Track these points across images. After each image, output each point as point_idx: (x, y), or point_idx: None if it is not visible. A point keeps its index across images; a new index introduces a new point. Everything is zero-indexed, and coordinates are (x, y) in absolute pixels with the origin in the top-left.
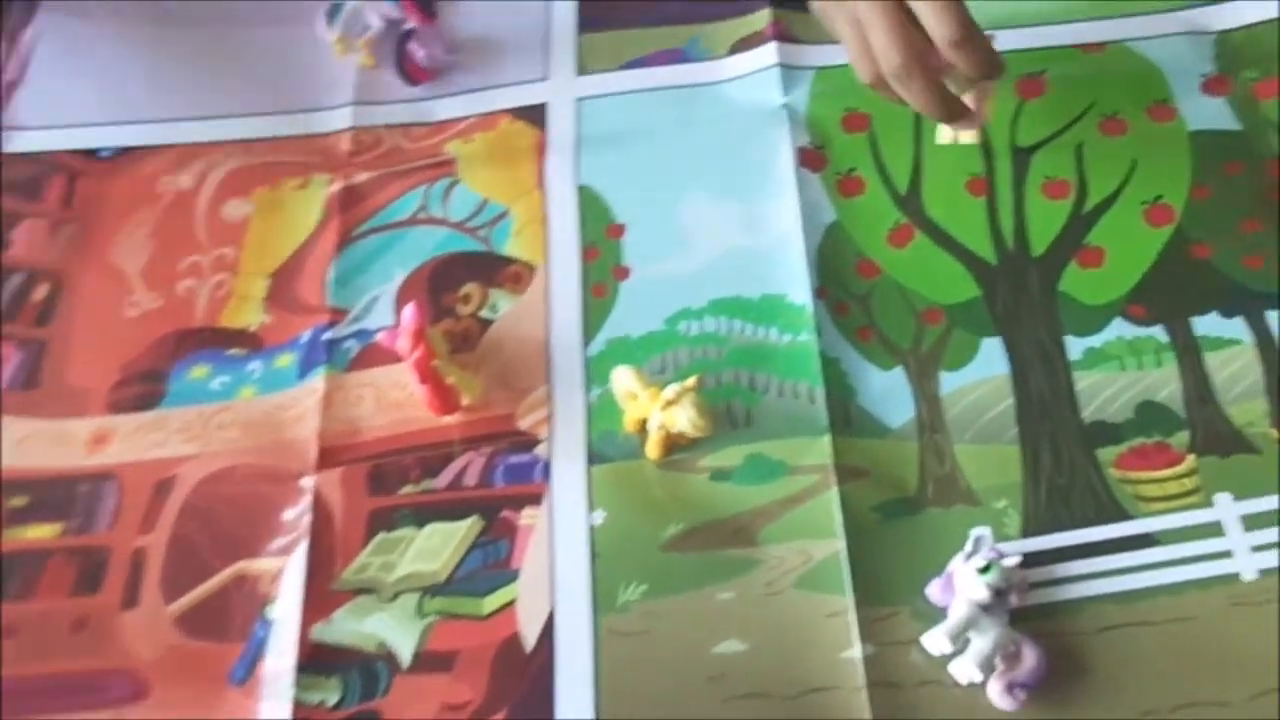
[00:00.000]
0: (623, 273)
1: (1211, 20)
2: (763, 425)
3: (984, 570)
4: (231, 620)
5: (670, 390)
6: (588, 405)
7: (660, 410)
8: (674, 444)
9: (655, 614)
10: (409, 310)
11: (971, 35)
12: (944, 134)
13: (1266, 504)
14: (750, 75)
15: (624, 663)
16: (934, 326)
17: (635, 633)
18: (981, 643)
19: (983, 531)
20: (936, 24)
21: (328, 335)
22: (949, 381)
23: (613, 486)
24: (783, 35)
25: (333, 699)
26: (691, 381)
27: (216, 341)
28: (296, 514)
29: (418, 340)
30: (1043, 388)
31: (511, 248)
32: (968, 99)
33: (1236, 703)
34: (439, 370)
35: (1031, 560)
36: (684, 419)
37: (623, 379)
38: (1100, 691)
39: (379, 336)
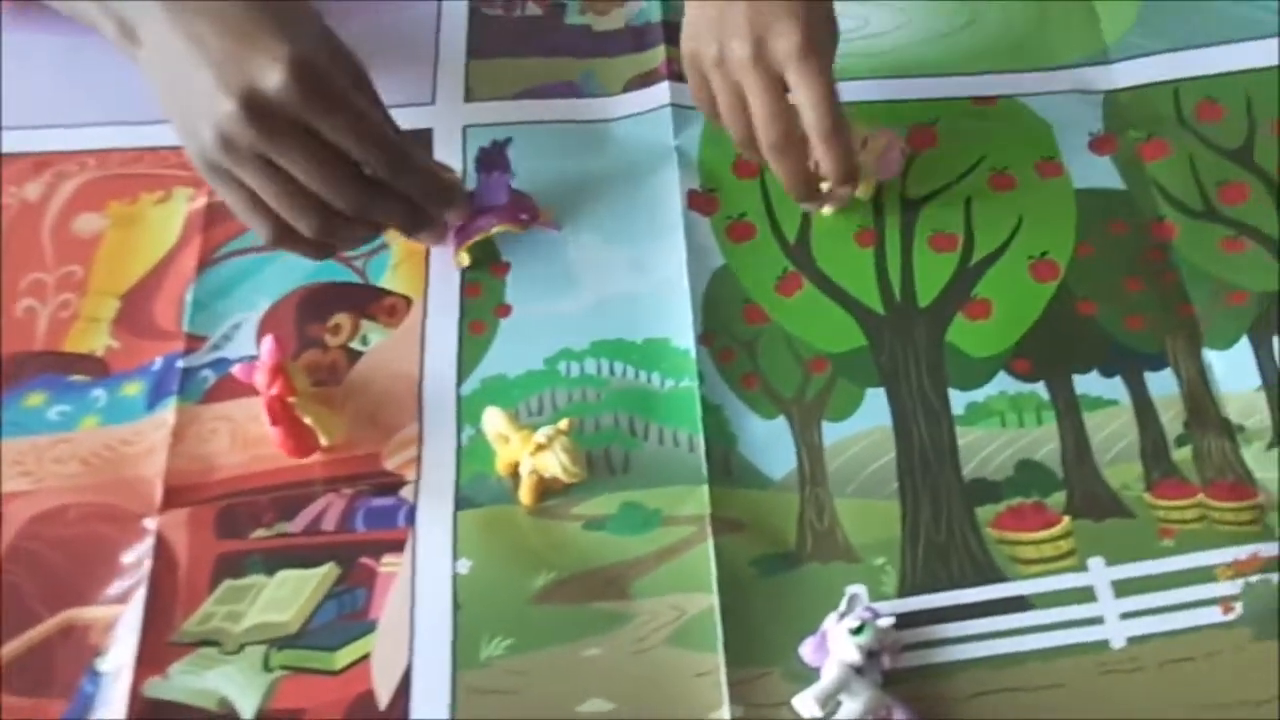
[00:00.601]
0: (504, 310)
1: (1101, 80)
2: (640, 473)
3: (857, 631)
4: (56, 674)
5: (541, 434)
6: (459, 447)
7: (530, 455)
8: (547, 489)
9: (519, 670)
10: (267, 344)
11: (840, 133)
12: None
13: (1137, 570)
14: (643, 114)
15: None
16: (819, 376)
17: (497, 690)
18: (852, 706)
19: (858, 590)
20: (812, 113)
21: (182, 363)
22: (832, 432)
23: (481, 533)
24: (676, 74)
25: None
26: (564, 424)
27: (57, 367)
28: (135, 558)
29: (274, 376)
30: (925, 442)
31: (389, 280)
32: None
33: None
34: (296, 409)
35: (907, 621)
36: (555, 464)
37: (493, 420)
38: None
39: (235, 369)
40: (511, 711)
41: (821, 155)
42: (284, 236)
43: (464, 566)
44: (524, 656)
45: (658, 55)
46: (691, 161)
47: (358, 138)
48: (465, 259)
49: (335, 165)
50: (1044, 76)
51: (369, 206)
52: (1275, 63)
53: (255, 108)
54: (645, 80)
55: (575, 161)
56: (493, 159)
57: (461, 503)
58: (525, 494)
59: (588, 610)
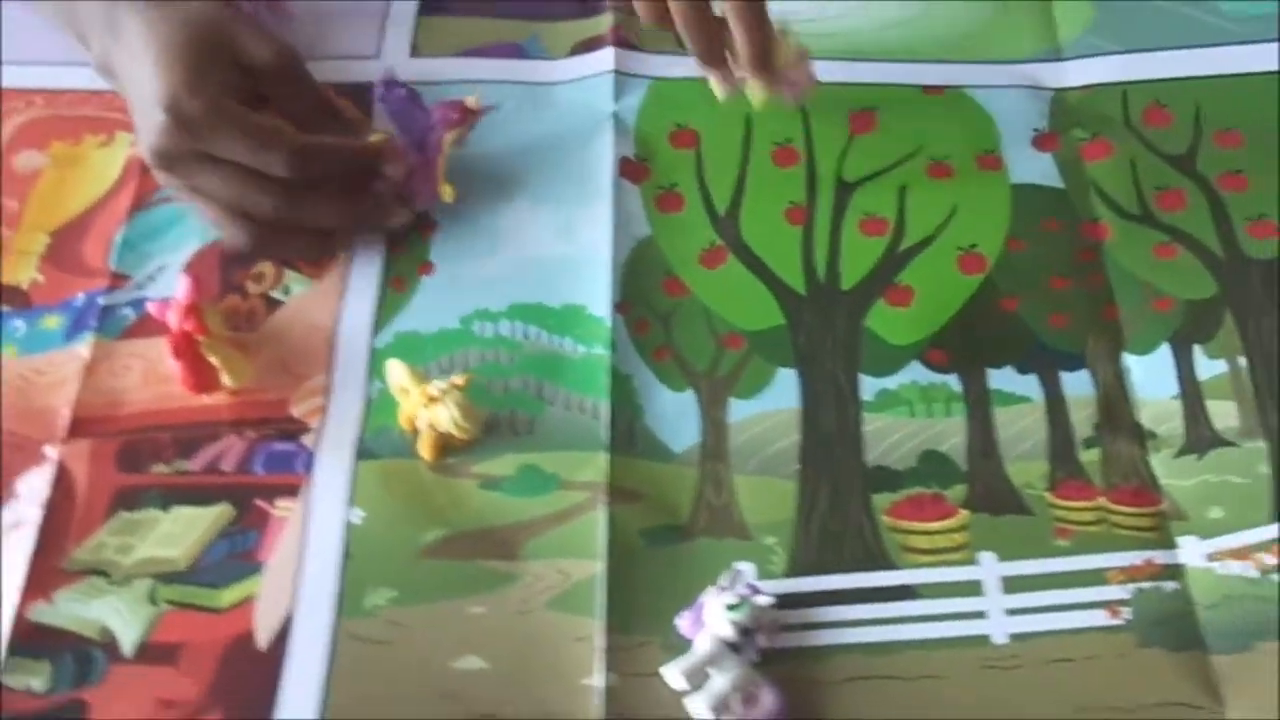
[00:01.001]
0: (427, 267)
1: (1052, 77)
2: (543, 436)
3: (733, 607)
4: None
5: (435, 387)
6: (367, 399)
7: (424, 407)
8: (447, 445)
9: (399, 622)
10: (183, 283)
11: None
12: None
13: (1029, 568)
14: (584, 79)
15: (359, 670)
16: (733, 352)
17: (376, 640)
18: (720, 681)
19: (744, 567)
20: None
21: (104, 300)
22: (739, 410)
23: (377, 485)
24: (622, 41)
25: (40, 684)
26: (459, 379)
27: None
28: (34, 484)
29: (186, 315)
30: (831, 426)
31: None
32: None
33: None
34: (202, 348)
35: (791, 602)
36: (446, 417)
37: (395, 373)
38: None
39: (149, 306)
40: (387, 662)
41: (733, 27)
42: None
43: (357, 516)
44: (407, 609)
45: (605, 21)
46: (628, 129)
47: (251, 156)
48: (449, 191)
49: (244, 179)
50: (995, 70)
51: (293, 210)
52: (1229, 71)
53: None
54: (590, 45)
55: (513, 123)
56: (388, 87)
57: (362, 453)
58: (424, 448)
59: (475, 568)
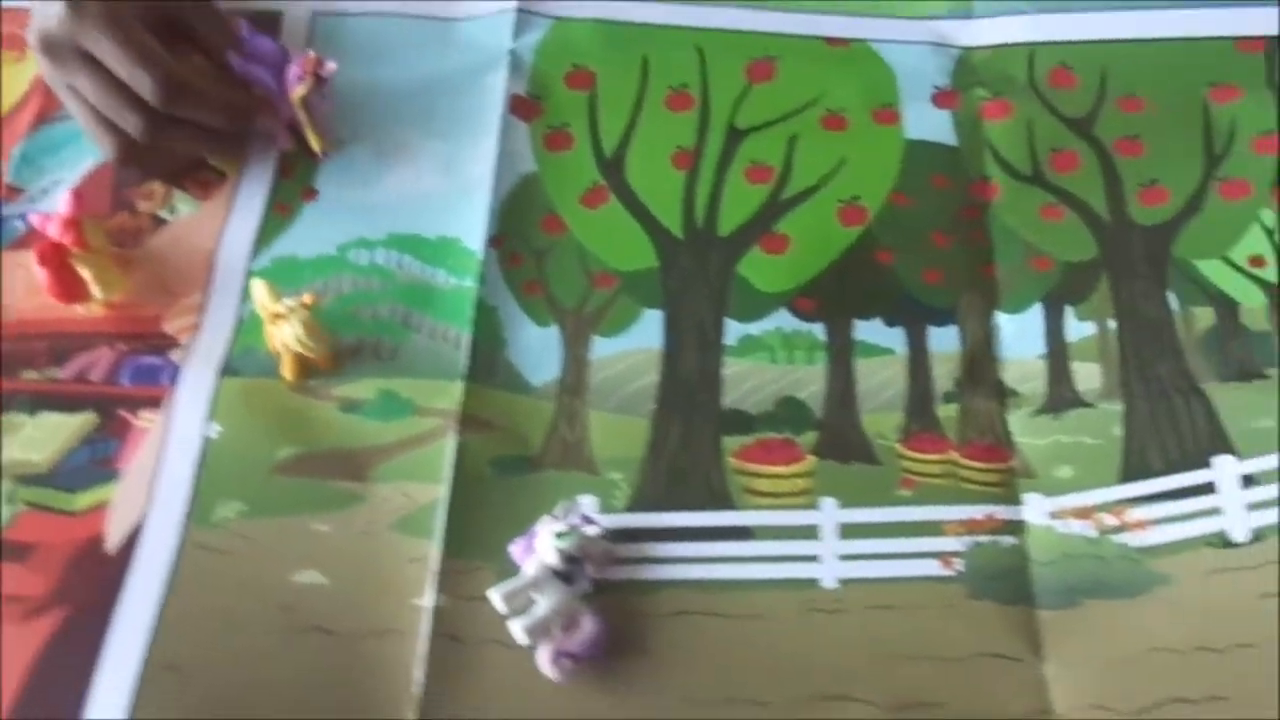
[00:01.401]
0: (311, 194)
1: (961, 35)
2: (404, 363)
3: (561, 535)
4: None
5: (283, 304)
6: (238, 320)
7: (270, 323)
8: (308, 367)
9: (246, 535)
10: (65, 196)
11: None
12: None
13: (868, 515)
14: (487, 17)
15: (201, 578)
16: (603, 291)
17: (221, 550)
18: (543, 605)
19: (585, 499)
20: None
21: None
22: (601, 347)
23: (238, 402)
24: None
25: None
26: (307, 299)
27: None
28: None
29: (66, 228)
30: (691, 368)
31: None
32: None
33: (777, 704)
34: (74, 259)
35: (628, 536)
36: (291, 335)
37: (257, 292)
38: (653, 673)
39: (32, 218)
40: (229, 571)
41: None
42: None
43: (214, 430)
44: (254, 522)
45: None
46: (524, 66)
47: (125, 70)
48: (317, 141)
49: (116, 91)
50: (902, 25)
51: (156, 135)
52: (1140, 36)
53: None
54: None
55: (412, 57)
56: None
57: (226, 371)
58: (286, 369)
59: (325, 487)
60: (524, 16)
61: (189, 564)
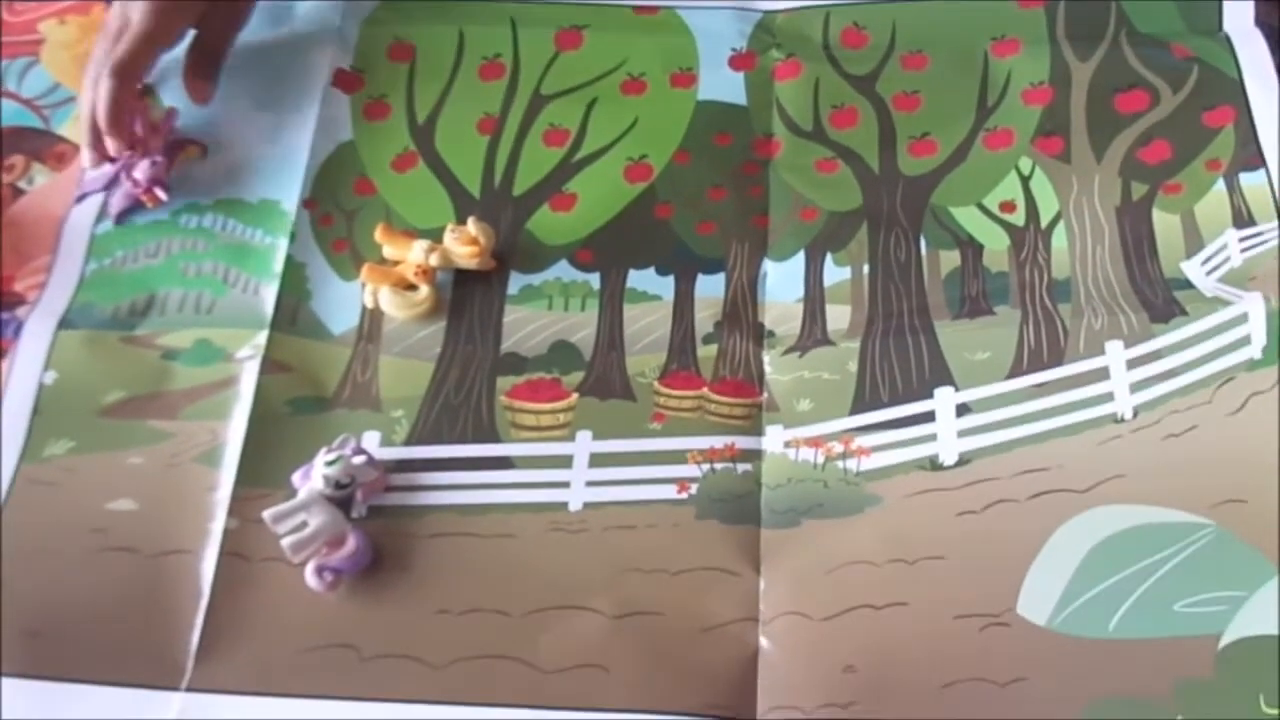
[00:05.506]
0: None
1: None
2: (219, 315)
3: (330, 463)
4: None
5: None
6: (81, 278)
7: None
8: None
9: (70, 469)
10: None
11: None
12: None
13: (618, 446)
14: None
15: (28, 506)
16: None
17: (48, 482)
18: (313, 524)
19: (370, 434)
20: None
21: None
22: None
23: (74, 352)
24: None
25: None
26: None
27: None
28: None
29: None
30: (474, 315)
31: (68, 129)
32: None
33: (517, 613)
34: None
35: (403, 467)
36: (455, 255)
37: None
38: (411, 588)
39: None
40: (54, 501)
41: None
42: None
43: (50, 378)
44: (79, 457)
45: None
46: (350, 42)
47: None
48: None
49: None
50: None
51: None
52: None
53: None
54: None
55: (254, 38)
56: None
57: (65, 324)
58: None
59: (142, 426)
60: None
61: (19, 494)
